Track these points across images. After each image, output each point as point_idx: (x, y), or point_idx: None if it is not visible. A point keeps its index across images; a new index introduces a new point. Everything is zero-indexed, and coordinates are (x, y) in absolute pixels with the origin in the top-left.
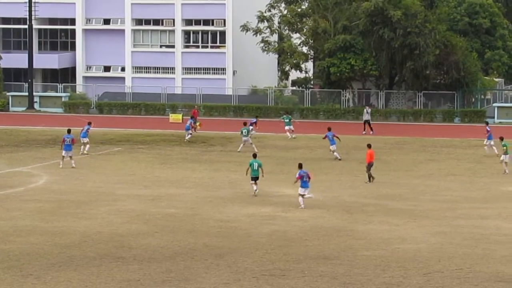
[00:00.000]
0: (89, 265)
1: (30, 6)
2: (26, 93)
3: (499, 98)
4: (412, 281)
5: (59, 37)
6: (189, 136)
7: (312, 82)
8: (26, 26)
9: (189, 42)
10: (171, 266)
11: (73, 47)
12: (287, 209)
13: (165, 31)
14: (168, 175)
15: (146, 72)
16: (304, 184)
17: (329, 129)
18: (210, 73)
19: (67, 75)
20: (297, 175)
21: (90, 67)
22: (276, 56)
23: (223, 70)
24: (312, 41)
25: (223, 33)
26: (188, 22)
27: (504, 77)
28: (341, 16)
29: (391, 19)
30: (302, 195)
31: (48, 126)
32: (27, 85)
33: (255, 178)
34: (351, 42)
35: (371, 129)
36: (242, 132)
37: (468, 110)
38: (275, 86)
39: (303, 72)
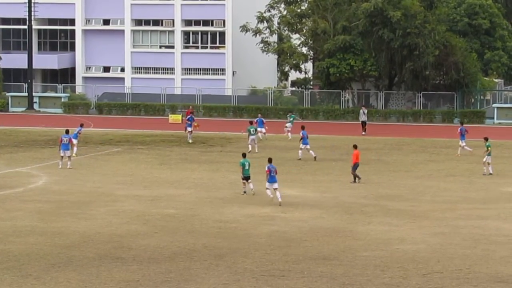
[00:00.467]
0: (88, 265)
1: (29, 7)
2: (26, 94)
3: (499, 98)
4: (411, 281)
5: (59, 37)
6: (190, 135)
7: (311, 83)
8: (26, 27)
9: (189, 43)
10: (171, 267)
11: (72, 47)
12: (287, 210)
13: (164, 31)
14: (167, 176)
15: (146, 72)
16: (272, 179)
17: (303, 128)
18: (209, 73)
19: (66, 75)
20: (266, 169)
21: (89, 68)
22: (276, 56)
23: (222, 70)
24: (311, 42)
25: (222, 34)
26: (188, 22)
27: (504, 77)
28: (341, 17)
29: (390, 20)
30: (268, 189)
31: (48, 127)
32: (26, 86)
33: (247, 178)
34: (351, 42)
35: (364, 130)
36: (250, 131)
37: (468, 110)
38: (274, 87)
39: (303, 72)
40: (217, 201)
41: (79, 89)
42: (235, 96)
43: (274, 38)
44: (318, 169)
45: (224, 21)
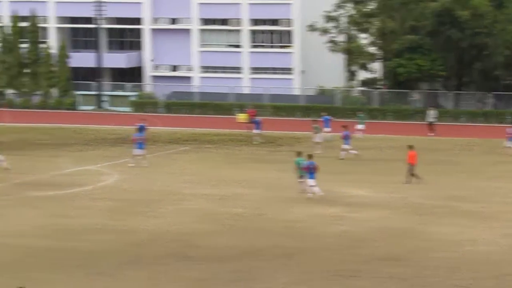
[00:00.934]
0: (157, 263)
1: (98, 6)
2: (94, 92)
3: None
4: (482, 283)
5: (127, 36)
6: (256, 137)
7: (381, 83)
8: (94, 26)
9: (256, 42)
10: (239, 266)
11: (140, 46)
12: (355, 210)
13: (232, 30)
14: (235, 175)
15: (213, 71)
16: (311, 175)
17: (345, 127)
18: (277, 73)
19: (135, 74)
20: (304, 166)
21: (157, 67)
22: (343, 56)
23: (290, 70)
24: (379, 41)
25: (290, 33)
26: (255, 21)
27: None
28: (409, 16)
29: (458, 20)
30: (310, 186)
31: (118, 125)
32: (95, 84)
33: (302, 176)
34: (419, 42)
35: (431, 130)
36: (316, 129)
37: None
38: (342, 87)
39: (371, 72)
40: (285, 200)
41: (147, 88)
42: (303, 96)
43: (342, 37)
44: (385, 170)
45: (291, 20)
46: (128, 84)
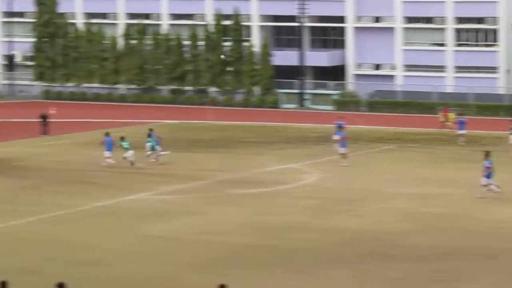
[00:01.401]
0: (360, 262)
1: (301, 4)
2: (297, 91)
3: None
4: None
5: (330, 35)
6: (461, 138)
7: None
8: (297, 24)
9: (461, 40)
10: (441, 266)
11: (343, 45)
12: None
13: (436, 29)
14: (438, 175)
15: (417, 70)
16: (489, 175)
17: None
18: (481, 71)
19: (337, 73)
20: (488, 165)
21: (360, 65)
22: None
23: (495, 69)
24: None
25: (495, 31)
26: (460, 20)
27: None
28: None
29: None
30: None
31: (318, 124)
32: (297, 83)
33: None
34: None
35: None
36: None
37: None
38: None
39: None
40: (488, 200)
41: (350, 86)
42: (509, 95)
43: None
44: None
45: (497, 18)
46: (331, 83)
